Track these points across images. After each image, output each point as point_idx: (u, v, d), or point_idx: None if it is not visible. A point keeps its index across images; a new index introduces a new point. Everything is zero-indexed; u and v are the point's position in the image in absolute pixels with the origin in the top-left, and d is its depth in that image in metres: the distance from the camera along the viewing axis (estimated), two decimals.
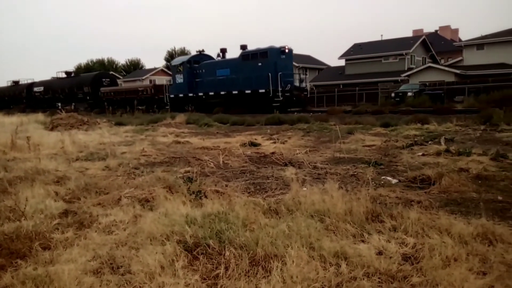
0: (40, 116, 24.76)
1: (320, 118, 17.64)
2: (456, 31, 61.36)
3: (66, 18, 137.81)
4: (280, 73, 24.94)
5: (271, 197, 4.88)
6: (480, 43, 39.60)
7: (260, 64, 26.07)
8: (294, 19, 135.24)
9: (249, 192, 5.24)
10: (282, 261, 2.90)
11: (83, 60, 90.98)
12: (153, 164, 7.70)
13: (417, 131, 12.07)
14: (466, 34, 76.72)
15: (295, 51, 29.26)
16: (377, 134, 11.92)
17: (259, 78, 25.58)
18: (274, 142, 10.44)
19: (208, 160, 7.74)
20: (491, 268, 2.85)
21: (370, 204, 4.07)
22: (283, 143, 10.38)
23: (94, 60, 78.58)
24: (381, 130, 13.12)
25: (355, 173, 6.30)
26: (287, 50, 26.32)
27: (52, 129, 16.64)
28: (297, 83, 28.44)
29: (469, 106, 21.21)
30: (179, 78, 31.40)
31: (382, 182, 5.73)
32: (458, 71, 37.44)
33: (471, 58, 39.60)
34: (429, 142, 9.23)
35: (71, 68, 58.10)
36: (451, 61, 44.93)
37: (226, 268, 2.88)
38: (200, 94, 29.85)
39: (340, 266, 2.85)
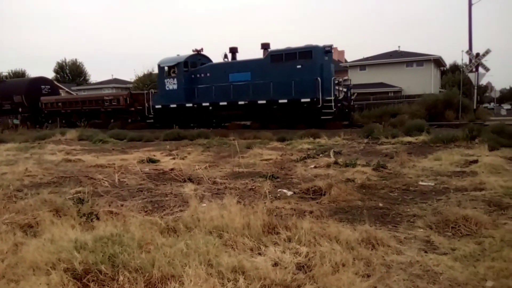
0: None
1: (220, 133, 17.82)
2: (342, 52, 66.92)
3: None
4: (333, 77, 20.43)
5: (169, 215, 4.78)
6: (362, 64, 43.88)
7: (299, 66, 20.46)
8: (185, 35, 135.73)
9: (146, 211, 5.06)
10: (180, 281, 2.85)
11: None
12: (39, 185, 7.04)
13: (310, 145, 12.86)
14: (351, 55, 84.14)
15: None
16: (274, 148, 12.40)
17: (301, 84, 20.17)
18: (174, 158, 10.27)
19: (102, 179, 7.32)
20: (374, 270, 3.13)
21: (267, 217, 4.21)
22: (183, 158, 10.26)
23: None
24: (278, 144, 13.70)
25: (253, 187, 6.47)
26: (332, 50, 21.47)
27: None
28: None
29: (354, 121, 23.03)
30: (171, 84, 24.31)
31: (279, 195, 5.96)
32: None
33: (355, 77, 43.46)
34: (320, 155, 9.86)
35: None
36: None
37: None
38: (205, 104, 23.16)
39: (238, 281, 2.88)
